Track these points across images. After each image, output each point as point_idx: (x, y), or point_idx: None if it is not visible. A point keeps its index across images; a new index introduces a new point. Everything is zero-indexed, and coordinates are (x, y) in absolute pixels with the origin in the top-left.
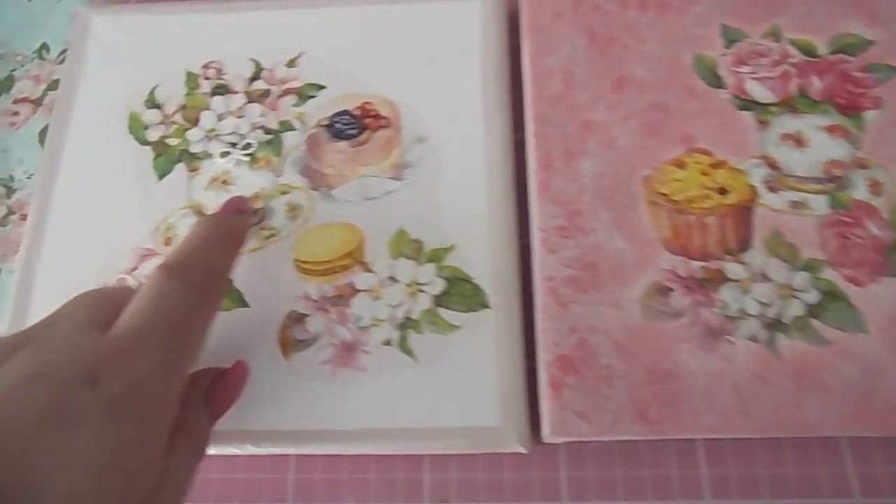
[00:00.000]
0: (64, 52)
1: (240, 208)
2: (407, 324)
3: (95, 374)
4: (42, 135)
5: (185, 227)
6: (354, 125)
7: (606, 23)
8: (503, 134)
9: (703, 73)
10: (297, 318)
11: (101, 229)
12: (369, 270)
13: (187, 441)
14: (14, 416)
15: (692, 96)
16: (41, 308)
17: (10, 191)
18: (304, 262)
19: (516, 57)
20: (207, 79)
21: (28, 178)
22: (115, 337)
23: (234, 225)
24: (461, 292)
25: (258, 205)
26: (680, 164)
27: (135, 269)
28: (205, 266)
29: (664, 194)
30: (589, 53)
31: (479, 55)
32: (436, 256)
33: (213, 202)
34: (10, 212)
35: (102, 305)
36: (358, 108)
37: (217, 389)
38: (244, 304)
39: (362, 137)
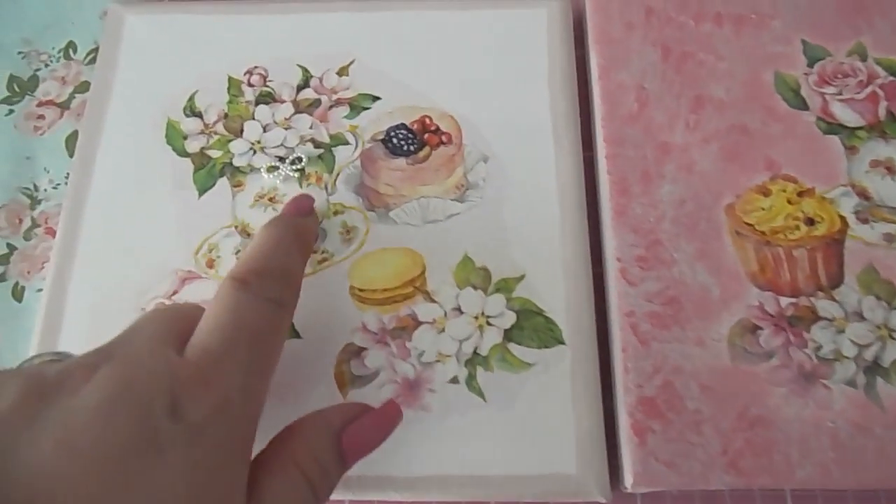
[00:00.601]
0: (92, 51)
1: (306, 209)
2: (475, 360)
3: (176, 399)
4: (69, 141)
5: (229, 248)
6: (413, 141)
7: (681, 37)
8: (574, 153)
9: (785, 92)
10: (355, 352)
11: (138, 248)
12: (432, 300)
13: (299, 478)
14: (95, 444)
15: (774, 118)
16: (73, 331)
17: (35, 201)
18: (361, 289)
19: (582, 70)
20: (251, 86)
21: (54, 187)
22: (192, 357)
23: (303, 228)
24: (533, 326)
25: None
26: (765, 192)
27: (175, 293)
28: (278, 274)
29: (749, 224)
30: (664, 69)
31: (545, 67)
32: (505, 286)
33: (260, 222)
34: (35, 224)
35: (175, 322)
36: (416, 121)
37: (355, 429)
38: (296, 335)
39: (421, 154)
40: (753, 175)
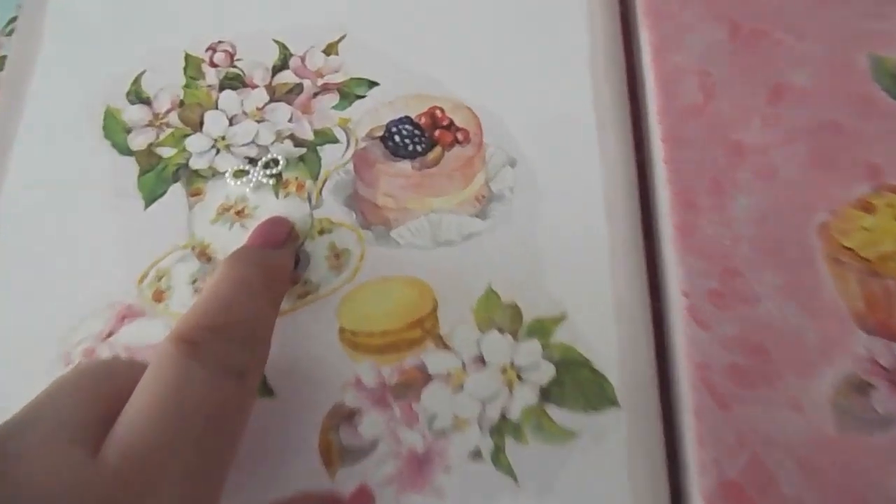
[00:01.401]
0: (12, 20)
1: (279, 239)
2: (503, 427)
3: None
4: None
5: (183, 275)
6: (420, 139)
7: (751, 9)
8: (624, 156)
9: (884, 81)
10: (346, 416)
11: (62, 275)
12: (446, 347)
13: None
14: None
15: (873, 113)
16: None
17: None
18: (354, 332)
19: (630, 51)
20: (215, 66)
21: None
22: (112, 460)
23: (274, 266)
24: (577, 382)
25: None
26: (867, 207)
27: (110, 334)
28: (240, 333)
29: (849, 249)
30: (732, 50)
31: (585, 46)
32: (540, 329)
33: (224, 241)
34: None
35: (92, 402)
36: (424, 114)
37: None
38: (268, 393)
39: (431, 156)
40: (851, 185)
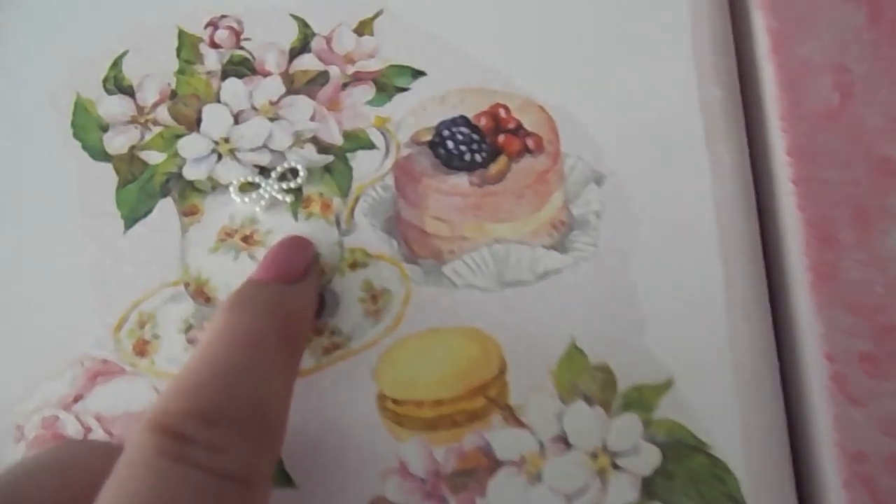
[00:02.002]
0: None
1: (298, 270)
2: None
3: None
4: None
5: (174, 321)
6: (480, 146)
7: None
8: (742, 172)
9: None
10: None
11: (14, 322)
12: (519, 423)
13: None
14: None
15: None
16: None
17: None
18: (398, 402)
19: (742, 40)
20: (216, 46)
21: None
22: None
23: (290, 310)
24: (690, 472)
25: None
26: None
27: (78, 399)
28: (246, 420)
29: None
30: (874, 40)
31: (687, 33)
32: (640, 400)
33: (227, 276)
34: None
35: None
36: (484, 114)
37: None
38: (287, 482)
39: (494, 169)
40: None
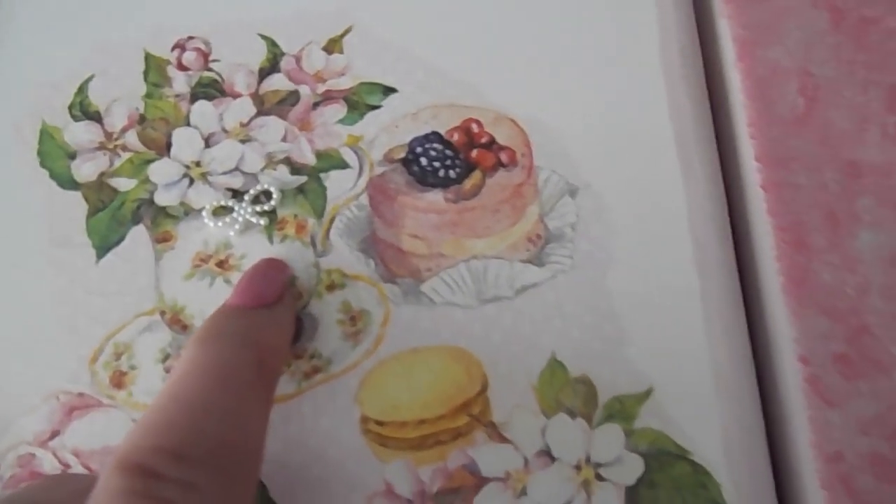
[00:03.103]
0: None
1: (271, 292)
2: None
3: None
4: None
5: (150, 351)
6: (454, 161)
7: None
8: (713, 179)
9: None
10: None
11: None
12: (502, 439)
13: None
14: None
15: None
16: None
17: None
18: (381, 423)
19: (709, 46)
20: (184, 69)
21: None
22: None
23: (265, 336)
24: (674, 480)
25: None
26: None
27: (54, 435)
28: (221, 456)
29: None
30: (837, 43)
31: (655, 42)
32: (621, 411)
33: (203, 302)
34: None
35: None
36: (457, 129)
37: None
38: None
39: (469, 184)
40: None
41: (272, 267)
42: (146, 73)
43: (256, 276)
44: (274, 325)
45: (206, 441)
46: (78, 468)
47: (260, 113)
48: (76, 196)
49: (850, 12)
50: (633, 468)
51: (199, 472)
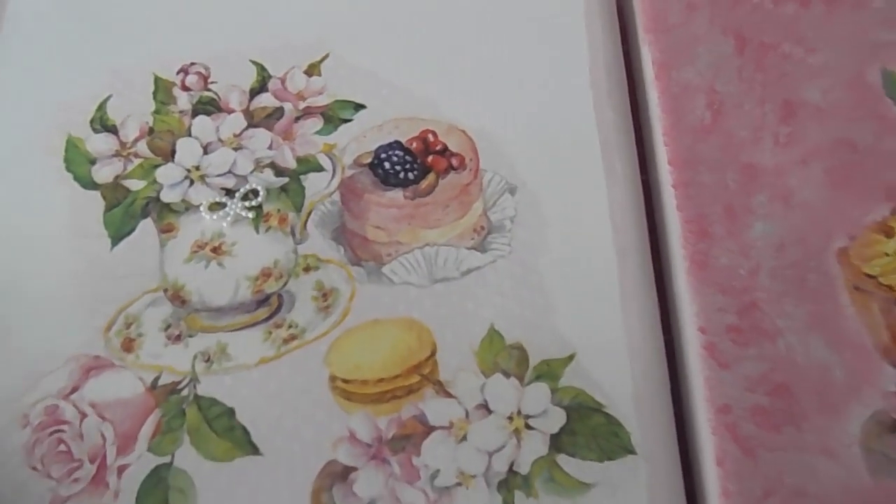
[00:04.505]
0: None
1: None
2: (512, 481)
3: None
4: None
5: (155, 321)
6: (412, 165)
7: (758, 21)
8: (631, 180)
9: None
10: (339, 474)
11: (19, 324)
12: (448, 394)
13: None
14: None
15: (889, 130)
16: None
17: None
18: (347, 381)
19: (631, 68)
20: (187, 89)
21: None
22: None
23: None
24: (591, 429)
25: (270, 287)
26: (887, 231)
27: (74, 390)
28: None
29: (871, 276)
30: (739, 65)
31: (585, 64)
32: (548, 371)
33: (200, 281)
34: None
35: None
36: (416, 138)
37: None
38: (254, 451)
39: (424, 184)
40: (870, 208)
41: None
42: (155, 93)
43: None
44: None
45: None
46: (94, 417)
47: (250, 126)
48: (95, 195)
49: (753, 40)
50: (556, 419)
51: None
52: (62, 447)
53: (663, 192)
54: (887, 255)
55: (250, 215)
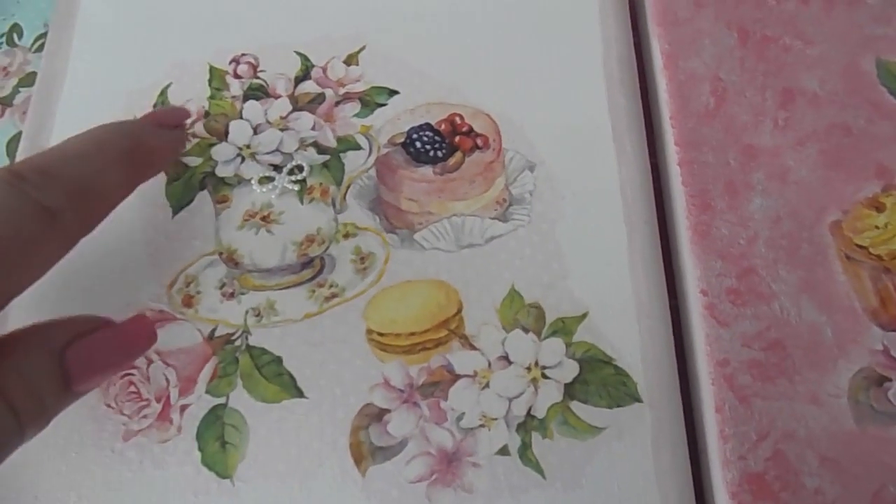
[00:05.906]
0: (41, 36)
1: (170, 120)
2: (529, 424)
3: None
4: (11, 146)
5: (212, 280)
6: (441, 144)
7: (760, 16)
8: (640, 158)
9: (891, 84)
10: (375, 416)
11: (94, 283)
12: (472, 347)
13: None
14: None
15: (881, 115)
16: None
17: None
18: (382, 334)
19: (642, 58)
20: (238, 77)
21: None
22: None
23: (146, 142)
24: (601, 379)
25: (314, 251)
26: (877, 206)
27: None
28: (70, 180)
29: (862, 247)
30: (742, 56)
31: (599, 54)
32: (563, 328)
33: (251, 246)
34: None
35: None
36: (444, 121)
37: (83, 348)
38: (299, 394)
39: (452, 161)
40: (862, 185)
41: (175, 111)
42: (210, 81)
43: (164, 110)
44: (157, 138)
45: (67, 169)
46: (159, 362)
47: (295, 109)
48: None
49: (755, 33)
50: (570, 370)
51: (50, 183)
52: (132, 388)
53: (670, 169)
54: (877, 227)
55: (295, 188)
